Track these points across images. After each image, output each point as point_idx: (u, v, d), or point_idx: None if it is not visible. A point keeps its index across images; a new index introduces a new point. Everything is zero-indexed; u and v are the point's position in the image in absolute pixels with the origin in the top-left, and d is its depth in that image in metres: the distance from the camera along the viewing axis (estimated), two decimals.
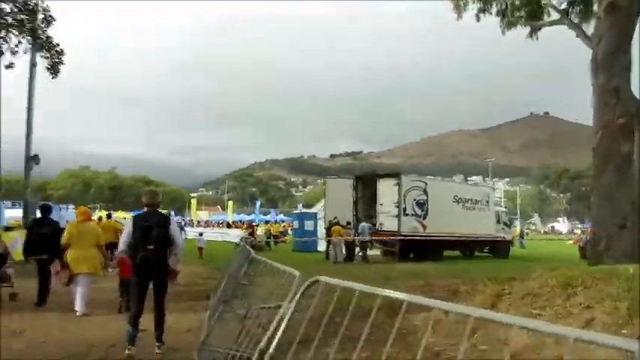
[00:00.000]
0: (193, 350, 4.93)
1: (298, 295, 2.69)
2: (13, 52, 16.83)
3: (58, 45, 17.69)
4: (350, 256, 19.60)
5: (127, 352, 5.30)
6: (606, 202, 9.35)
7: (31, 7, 16.65)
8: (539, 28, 13.88)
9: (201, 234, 22.43)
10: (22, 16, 16.57)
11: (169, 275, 5.90)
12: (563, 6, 12.99)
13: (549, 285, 5.08)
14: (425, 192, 20.80)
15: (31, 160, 17.95)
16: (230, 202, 66.15)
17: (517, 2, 13.38)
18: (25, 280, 9.15)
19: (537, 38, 14.23)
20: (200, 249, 19.78)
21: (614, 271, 5.32)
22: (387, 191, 20.24)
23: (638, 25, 9.83)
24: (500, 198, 48.21)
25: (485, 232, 23.39)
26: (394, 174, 21.49)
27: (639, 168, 9.15)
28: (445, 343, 4.56)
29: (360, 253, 19.97)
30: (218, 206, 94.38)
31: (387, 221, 20.08)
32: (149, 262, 5.56)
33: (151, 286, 5.73)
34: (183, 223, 37.52)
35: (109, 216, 19.38)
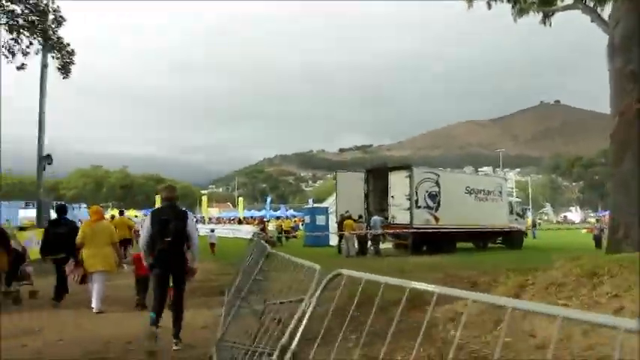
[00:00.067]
0: (210, 347, 4.87)
1: (320, 289, 2.61)
2: (25, 54, 16.93)
3: (68, 45, 17.79)
4: (362, 250, 19.49)
5: (152, 330, 5.32)
6: (625, 190, 9.10)
7: (41, 8, 16.70)
8: (552, 14, 13.57)
9: (212, 230, 22.44)
10: (33, 17, 16.64)
11: (187, 274, 5.89)
12: None
13: (574, 274, 4.93)
14: (437, 184, 20.59)
15: (44, 159, 18.04)
16: (240, 199, 66.57)
17: None
18: (44, 278, 9.24)
19: (550, 24, 13.91)
20: (212, 245, 19.80)
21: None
22: (398, 184, 20.06)
23: None
24: (512, 188, 47.70)
25: (498, 223, 23.13)
26: (405, 166, 21.20)
27: None
28: (468, 336, 4.45)
29: (373, 247, 19.80)
30: (229, 203, 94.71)
31: (399, 214, 19.92)
32: (167, 254, 5.62)
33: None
34: (195, 220, 37.58)
35: (121, 213, 19.53)
